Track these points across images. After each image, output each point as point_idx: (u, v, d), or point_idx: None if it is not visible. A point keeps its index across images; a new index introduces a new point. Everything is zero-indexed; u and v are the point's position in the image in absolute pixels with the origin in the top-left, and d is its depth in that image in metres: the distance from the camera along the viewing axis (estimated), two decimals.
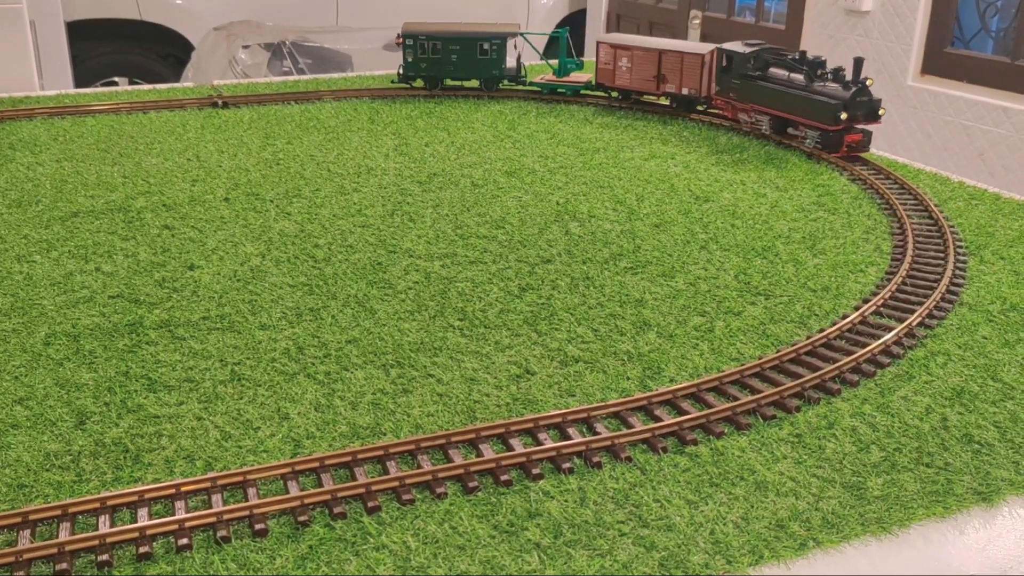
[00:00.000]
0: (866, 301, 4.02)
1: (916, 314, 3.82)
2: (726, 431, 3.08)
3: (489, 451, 2.90)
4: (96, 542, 2.48)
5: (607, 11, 11.66)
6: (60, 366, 3.44)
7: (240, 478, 2.74)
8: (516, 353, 3.58)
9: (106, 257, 4.39)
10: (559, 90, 7.52)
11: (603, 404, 3.16)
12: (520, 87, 7.66)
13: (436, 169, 5.73)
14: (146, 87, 8.09)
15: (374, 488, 2.71)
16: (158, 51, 10.61)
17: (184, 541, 2.51)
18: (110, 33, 10.22)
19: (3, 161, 5.73)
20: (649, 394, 3.22)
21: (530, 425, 3.03)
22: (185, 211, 4.98)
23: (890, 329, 3.71)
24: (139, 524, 2.53)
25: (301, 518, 2.60)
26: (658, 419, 3.10)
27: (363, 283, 4.16)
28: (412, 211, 5.03)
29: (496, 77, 7.55)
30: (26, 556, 2.42)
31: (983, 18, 8.16)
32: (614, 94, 7.39)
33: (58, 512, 2.59)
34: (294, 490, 2.72)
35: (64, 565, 2.41)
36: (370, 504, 2.66)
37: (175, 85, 8.29)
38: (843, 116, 5.76)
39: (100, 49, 10.32)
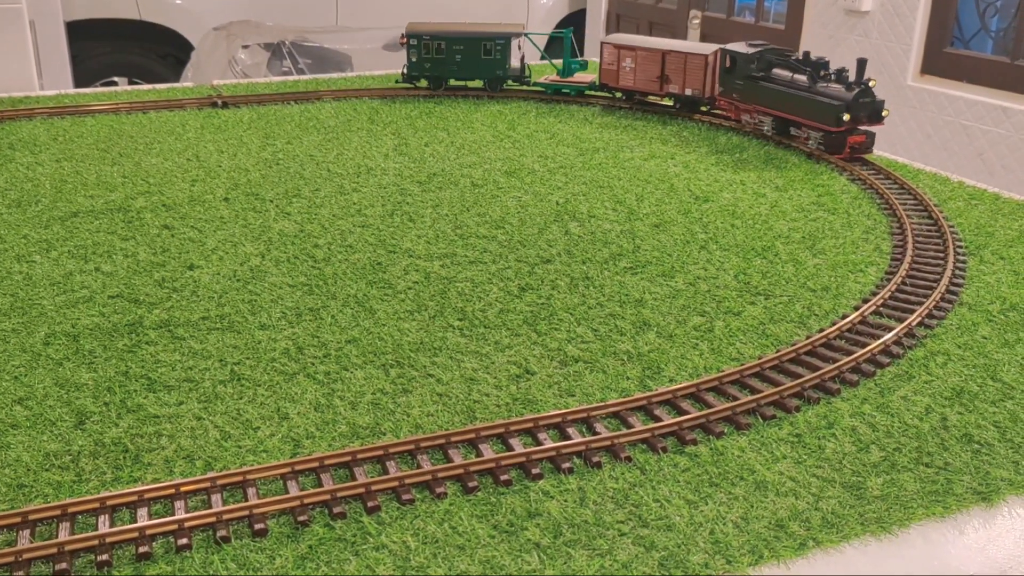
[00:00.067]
0: (866, 301, 4.02)
1: (916, 314, 3.82)
2: (726, 431, 3.08)
3: (489, 451, 2.90)
4: (96, 542, 2.48)
5: (607, 11, 11.66)
6: (60, 366, 3.44)
7: (240, 478, 2.74)
8: (516, 353, 3.58)
9: (106, 257, 4.39)
10: (563, 90, 7.51)
11: (603, 404, 3.16)
12: (524, 87, 7.65)
13: (436, 169, 5.73)
14: (146, 87, 8.09)
15: (374, 488, 2.71)
16: (158, 51, 10.61)
17: (184, 541, 2.51)
18: (110, 33, 10.22)
19: (3, 161, 5.73)
20: (649, 394, 3.22)
21: (530, 425, 3.03)
22: (185, 211, 4.97)
23: (890, 329, 3.71)
24: (139, 524, 2.53)
25: (301, 518, 2.60)
26: (658, 419, 3.10)
27: (363, 283, 4.16)
28: (412, 211, 5.03)
29: (500, 77, 7.55)
30: (26, 556, 2.42)
31: (983, 18, 8.16)
32: (618, 95, 7.37)
33: (58, 512, 2.59)
34: (294, 490, 2.72)
35: (64, 565, 2.41)
36: (370, 504, 2.66)
37: (175, 85, 8.29)
38: (846, 117, 5.74)
39: (100, 49, 10.31)
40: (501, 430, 3.00)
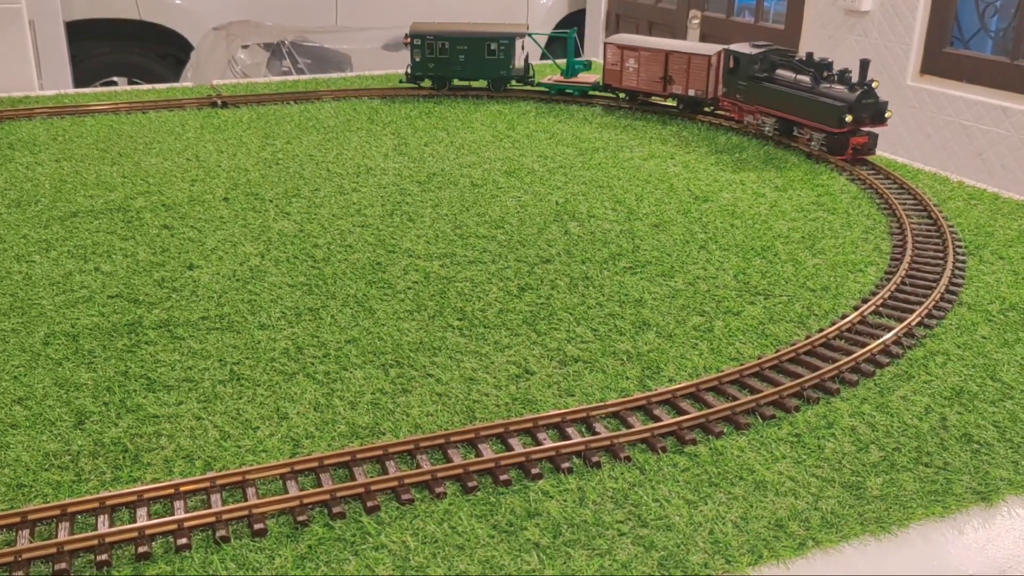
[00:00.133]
0: (865, 301, 4.02)
1: (915, 314, 3.82)
2: (725, 431, 3.08)
3: (488, 451, 2.90)
4: (95, 542, 2.48)
5: (606, 11, 11.66)
6: (59, 366, 3.44)
7: (239, 478, 2.74)
8: (515, 353, 3.58)
9: (105, 257, 4.39)
10: (567, 91, 7.50)
11: (602, 404, 3.16)
12: (528, 87, 7.64)
13: (435, 169, 5.73)
14: (145, 87, 8.09)
15: (373, 488, 2.71)
16: (157, 51, 10.61)
17: (183, 541, 2.51)
18: (109, 33, 10.21)
19: (2, 161, 5.73)
20: (648, 394, 3.22)
21: (529, 425, 3.03)
22: (184, 211, 4.97)
23: (889, 329, 3.71)
24: (138, 524, 2.53)
25: (300, 518, 2.60)
26: (657, 419, 3.10)
27: (362, 283, 4.16)
28: (411, 211, 5.03)
29: (504, 77, 7.54)
30: (25, 556, 2.42)
31: (982, 18, 8.16)
32: (621, 95, 7.35)
33: (57, 512, 2.59)
34: (293, 490, 2.72)
35: (63, 565, 2.41)
36: (369, 504, 2.66)
37: (174, 85, 8.29)
38: (848, 119, 5.71)
39: (99, 49, 10.31)
40: (500, 430, 3.00)
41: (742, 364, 3.49)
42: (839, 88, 5.83)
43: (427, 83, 7.68)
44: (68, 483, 2.78)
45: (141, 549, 2.48)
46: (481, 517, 2.64)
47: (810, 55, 6.12)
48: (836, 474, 2.88)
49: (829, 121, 5.82)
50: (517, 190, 5.37)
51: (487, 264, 4.38)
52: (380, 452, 2.87)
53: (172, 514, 2.61)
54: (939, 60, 7.74)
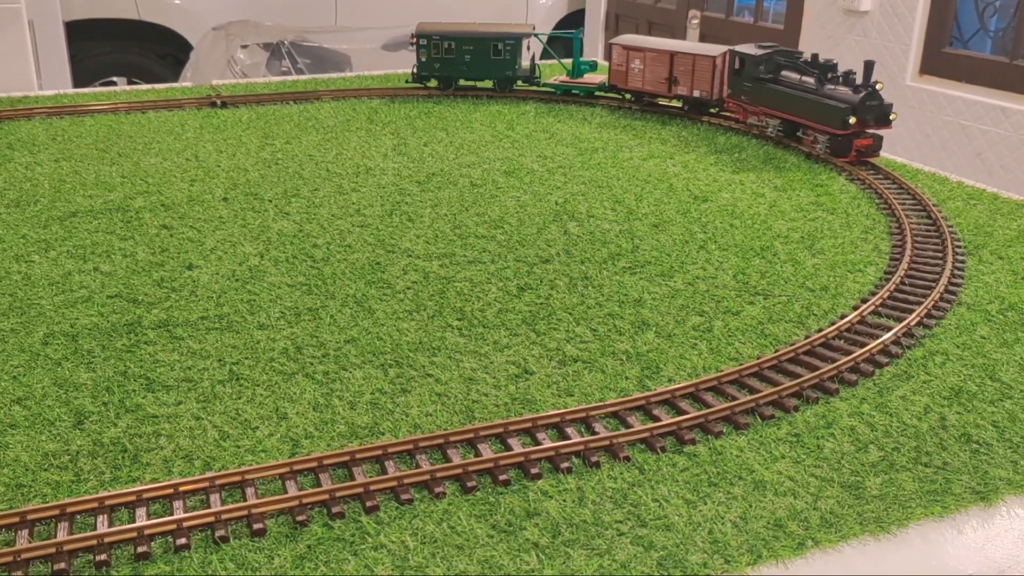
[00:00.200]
0: (864, 301, 4.02)
1: (914, 314, 3.82)
2: (724, 431, 3.08)
3: (487, 451, 2.90)
4: (94, 542, 2.48)
5: (606, 11, 11.67)
6: (58, 366, 3.44)
7: (238, 478, 2.74)
8: (515, 353, 3.58)
9: (104, 257, 4.39)
10: (573, 91, 7.49)
11: (602, 404, 3.16)
12: (534, 88, 7.62)
13: (435, 169, 5.73)
14: (144, 87, 8.09)
15: (372, 488, 2.71)
16: (157, 51, 10.61)
17: (182, 541, 2.51)
18: (108, 33, 10.21)
19: (1, 161, 5.73)
20: (647, 394, 3.22)
21: (528, 425, 3.03)
22: (183, 211, 4.97)
23: (888, 329, 3.71)
24: (137, 524, 2.53)
25: (299, 518, 2.60)
26: (656, 419, 3.10)
27: (361, 283, 4.16)
28: (411, 211, 5.03)
29: (510, 78, 7.53)
30: (24, 556, 2.42)
31: (981, 18, 8.16)
32: (627, 96, 7.32)
33: (56, 512, 2.59)
34: (292, 490, 2.72)
35: (62, 565, 2.41)
36: (368, 504, 2.66)
37: (174, 85, 8.29)
38: (852, 120, 5.67)
39: (98, 49, 10.31)
40: (500, 430, 3.00)
41: (741, 364, 3.49)
42: (843, 90, 5.79)
43: (433, 83, 7.67)
44: (67, 483, 2.78)
45: (140, 549, 2.48)
46: (480, 517, 2.65)
47: (815, 56, 6.10)
48: (835, 474, 2.88)
49: (833, 123, 5.79)
50: (516, 190, 5.37)
51: (486, 264, 4.38)
52: (379, 452, 2.87)
53: (171, 514, 2.61)
54: (938, 60, 7.75)
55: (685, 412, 3.14)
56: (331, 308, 3.92)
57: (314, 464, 2.82)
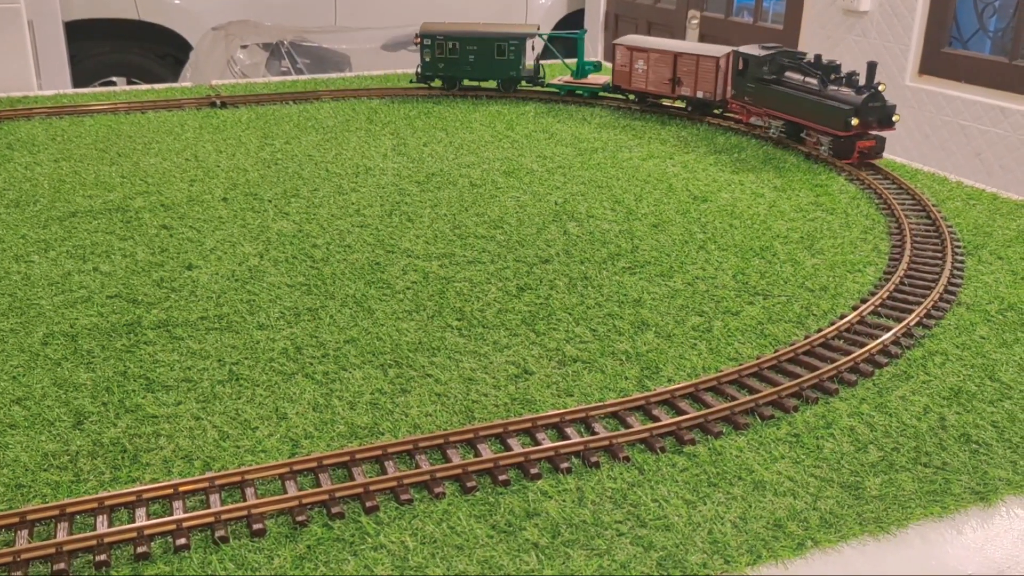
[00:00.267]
0: (864, 301, 4.02)
1: (914, 314, 3.82)
2: (724, 431, 3.08)
3: (487, 451, 2.91)
4: (94, 542, 2.48)
5: (605, 11, 11.67)
6: (58, 366, 3.43)
7: (238, 478, 2.74)
8: (514, 353, 3.58)
9: (104, 257, 4.39)
10: (577, 92, 7.48)
11: (601, 404, 3.16)
12: (538, 88, 7.61)
13: (434, 169, 5.73)
14: (144, 87, 8.08)
15: (372, 488, 2.71)
16: (156, 51, 10.61)
17: (182, 541, 2.51)
18: (108, 33, 10.21)
19: (1, 161, 5.73)
20: (647, 394, 3.22)
21: (528, 425, 3.03)
22: (183, 211, 4.97)
23: (888, 329, 3.71)
24: (137, 524, 2.53)
25: (299, 518, 2.60)
26: (656, 419, 3.10)
27: (361, 283, 4.16)
28: (410, 211, 5.03)
29: (514, 78, 7.52)
30: (24, 556, 2.42)
31: (981, 18, 8.17)
32: (631, 97, 7.30)
33: (56, 512, 2.59)
34: (292, 490, 2.72)
35: (62, 565, 2.41)
36: (368, 504, 2.66)
37: (173, 85, 8.29)
38: (854, 122, 5.64)
39: (98, 49, 10.31)
40: (499, 430, 3.01)
41: (741, 364, 3.49)
42: (846, 91, 5.76)
43: (437, 83, 7.67)
44: (67, 483, 2.78)
45: (140, 549, 2.48)
46: (480, 517, 2.65)
47: (818, 57, 6.07)
48: (835, 474, 2.88)
49: (835, 124, 5.75)
50: (516, 190, 5.37)
51: (486, 264, 4.38)
52: (379, 452, 2.87)
53: (171, 514, 2.61)
54: (938, 60, 7.75)
55: (685, 412, 3.14)
56: (331, 308, 3.92)
57: (314, 464, 2.82)
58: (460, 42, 7.43)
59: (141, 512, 2.61)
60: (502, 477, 2.79)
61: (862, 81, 5.76)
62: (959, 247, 4.62)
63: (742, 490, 2.79)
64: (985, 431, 3.13)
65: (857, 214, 5.10)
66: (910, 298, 4.02)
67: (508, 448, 2.93)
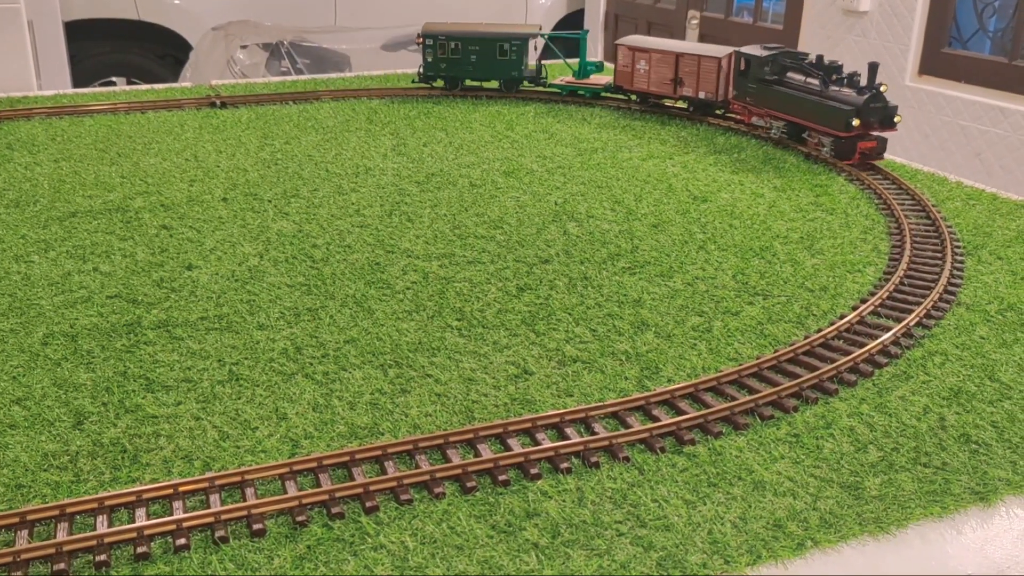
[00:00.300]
0: (864, 301, 4.03)
1: (914, 314, 3.82)
2: (724, 431, 3.08)
3: (487, 451, 2.91)
4: (94, 542, 2.48)
5: (605, 11, 11.67)
6: (58, 366, 3.44)
7: (238, 478, 2.74)
8: (514, 353, 3.58)
9: (104, 257, 4.39)
10: (579, 92, 7.47)
11: (601, 404, 3.16)
12: (540, 88, 7.61)
13: (434, 169, 5.74)
14: (144, 87, 8.09)
15: (372, 488, 2.71)
16: (156, 51, 10.61)
17: (182, 541, 2.51)
18: (108, 33, 10.22)
19: (1, 161, 5.73)
20: (647, 394, 3.22)
21: (528, 425, 3.03)
22: (183, 211, 4.97)
23: (888, 329, 3.71)
24: (137, 524, 2.53)
25: (299, 518, 2.60)
26: (656, 419, 3.10)
27: (361, 283, 4.16)
28: (410, 211, 5.04)
29: (516, 78, 7.52)
30: (24, 556, 2.42)
31: (980, 18, 8.17)
32: (633, 97, 7.29)
33: (56, 512, 2.59)
34: (292, 490, 2.72)
35: (62, 565, 2.41)
36: (368, 504, 2.66)
37: (173, 85, 8.29)
38: (855, 123, 5.62)
39: (98, 49, 10.31)
40: (499, 430, 3.01)
41: (741, 364, 3.49)
42: (847, 91, 5.74)
43: (439, 83, 7.67)
44: (67, 483, 2.78)
45: (140, 549, 2.48)
46: (480, 517, 2.65)
47: (820, 57, 6.06)
48: (834, 474, 2.88)
49: (836, 125, 5.73)
50: (516, 190, 5.37)
51: (486, 264, 4.38)
52: (379, 452, 2.87)
53: (171, 514, 2.61)
54: (937, 60, 7.75)
55: (684, 412, 3.15)
56: (331, 308, 3.92)
57: (314, 464, 2.82)
58: (462, 42, 7.43)
59: (141, 512, 2.61)
60: (502, 477, 2.79)
61: (863, 82, 5.74)
62: (959, 247, 4.62)
63: (742, 490, 2.79)
64: (985, 431, 3.13)
65: (857, 214, 5.10)
66: (910, 298, 4.03)
67: (508, 448, 2.93)
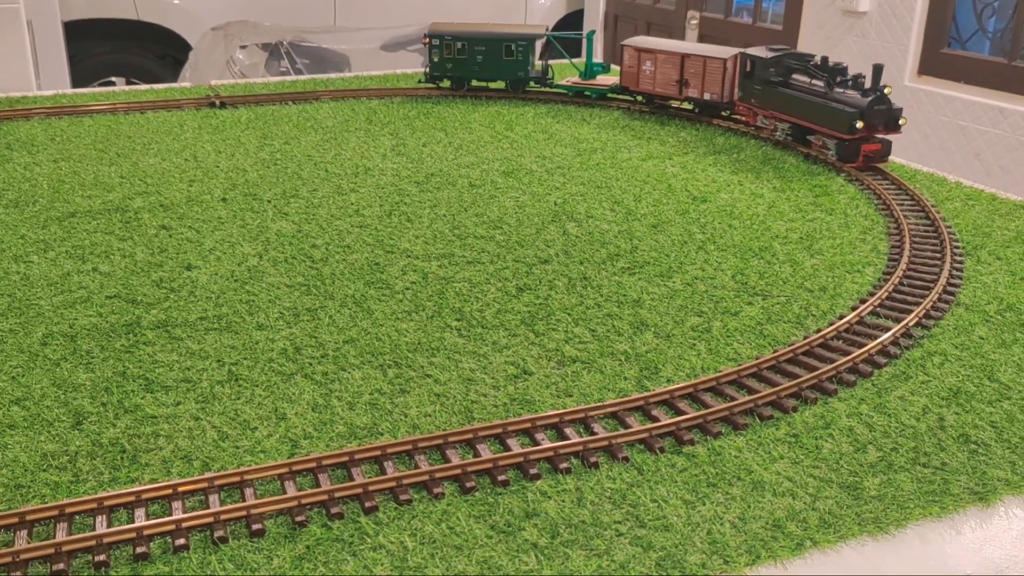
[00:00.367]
0: (863, 301, 4.03)
1: (913, 314, 3.82)
2: (723, 431, 3.08)
3: (486, 451, 2.91)
4: (93, 542, 2.48)
5: (604, 12, 11.67)
6: (57, 366, 3.43)
7: (237, 478, 2.74)
8: (514, 353, 3.58)
9: (103, 257, 4.39)
10: (585, 93, 7.47)
11: (600, 404, 3.16)
12: (547, 89, 7.60)
13: (434, 169, 5.74)
14: (143, 87, 8.09)
15: (371, 488, 2.71)
16: (155, 51, 10.61)
17: (181, 541, 2.51)
18: (107, 33, 10.22)
19: (0, 161, 5.73)
20: (646, 394, 3.22)
21: (527, 425, 3.03)
22: (182, 211, 4.97)
23: (887, 329, 3.71)
24: (136, 524, 2.53)
25: (298, 518, 2.60)
26: (655, 419, 3.10)
27: (360, 283, 4.16)
28: (410, 211, 5.04)
29: (522, 79, 7.52)
30: (23, 556, 2.42)
31: (980, 19, 8.18)
32: (639, 98, 7.26)
33: (55, 512, 2.59)
34: (291, 490, 2.72)
35: (61, 565, 2.41)
36: (367, 504, 2.66)
37: (172, 85, 8.29)
38: (859, 125, 5.59)
39: (97, 49, 10.31)
40: (499, 430, 3.01)
41: (740, 364, 3.49)
42: (851, 94, 5.71)
43: (446, 83, 7.68)
44: (66, 484, 2.78)
45: (139, 550, 2.48)
46: (479, 517, 2.65)
47: (825, 59, 6.03)
48: (834, 474, 2.88)
49: (840, 127, 5.70)
50: (515, 191, 5.37)
51: (485, 264, 4.38)
52: (378, 452, 2.87)
53: (170, 515, 2.61)
54: (937, 61, 7.75)
55: (684, 412, 3.15)
56: (330, 308, 3.92)
57: (313, 464, 2.82)
58: (468, 42, 7.43)
59: (140, 512, 2.61)
60: (501, 477, 2.79)
61: (868, 83, 5.71)
62: (958, 248, 4.62)
63: (741, 490, 2.79)
64: (984, 431, 3.13)
65: (856, 214, 5.11)
66: (909, 298, 4.03)
67: (507, 448, 2.93)
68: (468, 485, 2.75)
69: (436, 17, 9.53)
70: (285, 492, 2.71)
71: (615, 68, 7.89)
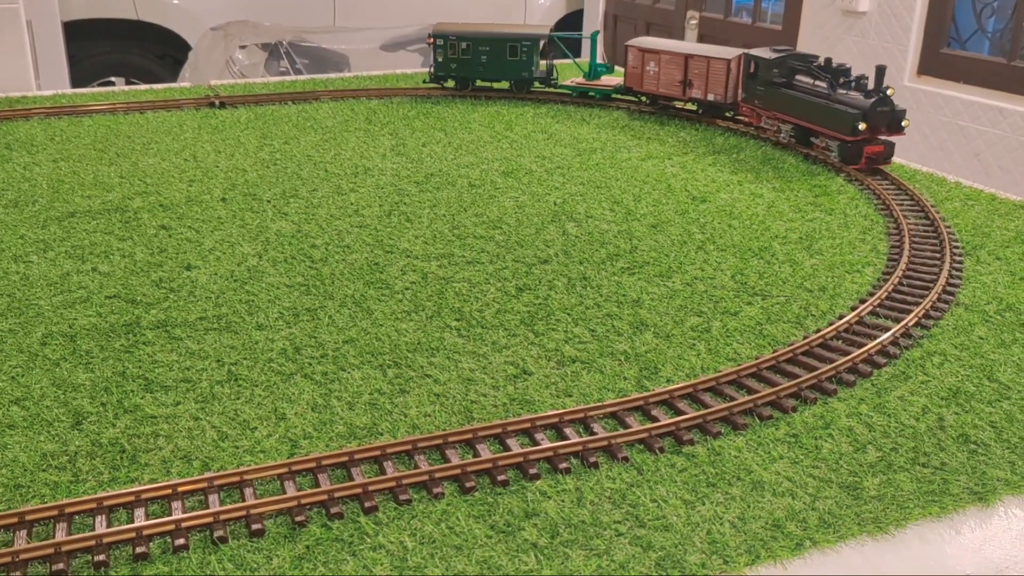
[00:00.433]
0: (863, 301, 4.03)
1: (912, 314, 3.82)
2: (723, 431, 3.08)
3: (486, 451, 2.91)
4: (92, 542, 2.48)
5: (604, 12, 11.67)
6: (57, 366, 3.43)
7: (237, 478, 2.74)
8: (513, 353, 3.58)
9: (103, 257, 4.39)
10: (589, 93, 7.46)
11: (600, 404, 3.16)
12: (551, 90, 7.59)
13: (433, 169, 5.74)
14: (143, 87, 8.08)
15: (371, 488, 2.71)
16: (155, 51, 10.61)
17: (181, 541, 2.51)
18: (107, 33, 10.21)
19: (0, 161, 5.73)
20: (646, 394, 3.22)
21: (527, 425, 3.03)
22: (182, 211, 4.97)
23: (887, 329, 3.71)
24: (136, 524, 2.53)
25: (298, 518, 2.60)
26: (655, 419, 3.10)
27: (360, 283, 4.16)
28: (409, 211, 5.04)
29: (527, 79, 7.52)
30: (23, 556, 2.42)
31: (979, 19, 8.18)
32: (643, 99, 7.25)
33: (54, 512, 2.59)
34: (291, 490, 2.72)
35: (60, 565, 2.41)
36: (367, 504, 2.66)
37: (172, 85, 8.28)
38: (862, 127, 5.57)
39: (97, 49, 10.31)
40: (498, 430, 3.01)
41: (740, 364, 3.49)
42: (854, 95, 5.68)
43: (450, 83, 7.68)
44: (66, 483, 2.78)
45: (139, 550, 2.48)
46: (479, 517, 2.65)
47: (828, 60, 6.02)
48: (833, 474, 2.88)
49: (843, 129, 5.68)
50: (515, 191, 5.37)
51: (485, 264, 4.38)
52: (378, 452, 2.87)
53: (170, 514, 2.61)
54: (936, 61, 7.75)
55: (683, 412, 3.15)
56: (329, 308, 3.92)
57: (313, 464, 2.82)
58: (473, 42, 7.44)
59: (140, 512, 2.61)
60: (501, 477, 2.79)
61: (871, 85, 5.70)
62: (957, 248, 4.62)
63: (741, 490, 2.79)
64: (983, 431, 3.13)
65: (856, 214, 5.11)
66: (908, 299, 4.03)
67: (507, 448, 2.93)
68: (468, 485, 2.75)
69: (435, 17, 9.53)
70: (285, 492, 2.71)
71: (618, 69, 7.89)
